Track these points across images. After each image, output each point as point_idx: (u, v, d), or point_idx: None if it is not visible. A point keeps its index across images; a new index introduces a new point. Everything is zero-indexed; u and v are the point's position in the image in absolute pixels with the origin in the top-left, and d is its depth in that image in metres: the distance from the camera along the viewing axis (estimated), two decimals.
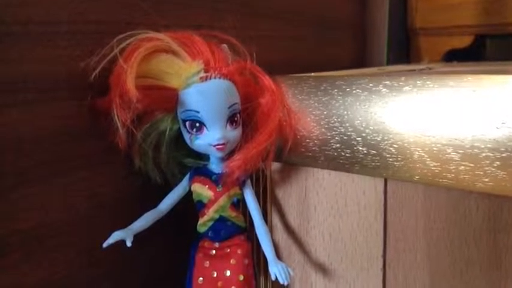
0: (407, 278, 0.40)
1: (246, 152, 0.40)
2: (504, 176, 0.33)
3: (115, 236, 0.38)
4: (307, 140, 0.42)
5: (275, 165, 0.47)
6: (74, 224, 0.40)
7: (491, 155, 0.33)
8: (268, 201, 0.48)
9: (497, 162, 0.33)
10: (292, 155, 0.44)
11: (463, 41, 0.98)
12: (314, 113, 0.42)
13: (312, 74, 0.47)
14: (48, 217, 0.38)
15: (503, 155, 0.33)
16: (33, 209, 0.37)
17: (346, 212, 0.42)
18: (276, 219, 0.48)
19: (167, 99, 0.39)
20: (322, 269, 0.45)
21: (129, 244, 0.38)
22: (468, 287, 0.37)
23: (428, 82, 0.36)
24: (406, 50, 1.03)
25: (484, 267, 0.36)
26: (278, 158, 0.44)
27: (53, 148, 0.38)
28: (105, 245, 0.38)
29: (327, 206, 0.44)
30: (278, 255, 0.48)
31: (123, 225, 0.43)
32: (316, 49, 0.73)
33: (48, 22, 0.36)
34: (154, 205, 0.44)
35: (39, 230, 0.37)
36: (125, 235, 0.38)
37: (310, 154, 0.43)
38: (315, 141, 0.42)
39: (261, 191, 0.48)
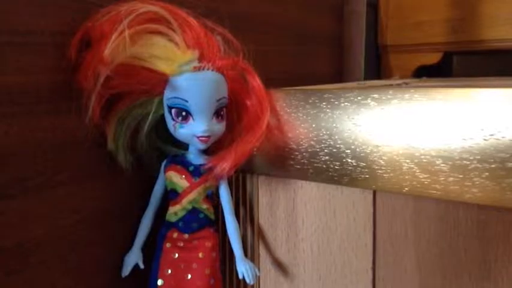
0: None
1: (236, 151, 0.40)
2: (493, 186, 0.34)
3: (129, 264, 0.41)
4: (296, 153, 0.43)
5: (263, 178, 0.46)
6: (58, 240, 0.38)
7: (480, 166, 0.34)
8: (255, 213, 0.47)
9: (486, 173, 0.34)
10: (280, 167, 0.44)
11: (432, 58, 1.01)
12: (303, 125, 0.42)
13: (299, 87, 0.47)
14: (31, 233, 0.36)
15: (492, 166, 0.34)
16: (15, 225, 0.35)
17: (335, 225, 0.43)
18: (264, 232, 0.47)
19: (155, 83, 0.39)
20: (311, 282, 0.45)
21: (142, 267, 0.42)
22: None
23: (416, 95, 0.37)
24: (376, 67, 1.06)
25: (474, 277, 0.36)
26: (266, 169, 0.44)
27: (36, 162, 0.36)
28: (123, 275, 0.41)
29: (316, 219, 0.44)
30: (266, 268, 0.47)
31: (108, 240, 0.42)
32: (295, 64, 0.74)
33: (33, 32, 0.35)
34: (138, 221, 0.43)
35: (22, 247, 0.36)
36: (136, 258, 0.42)
37: (298, 167, 0.43)
38: (304, 154, 0.42)
39: (248, 203, 0.47)
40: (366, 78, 0.92)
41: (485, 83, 0.53)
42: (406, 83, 0.67)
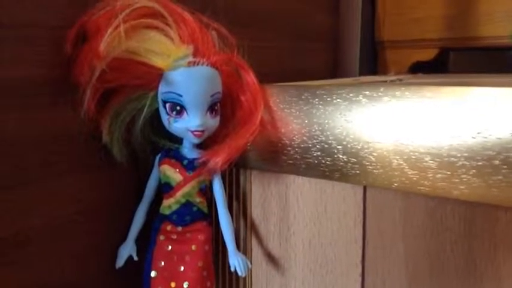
0: (386, 284, 0.41)
1: (230, 146, 0.41)
2: (479, 183, 0.34)
3: (123, 256, 0.42)
4: (289, 148, 0.43)
5: (256, 172, 0.47)
6: (55, 230, 0.39)
7: (467, 163, 0.35)
8: (248, 208, 0.48)
9: (473, 171, 0.35)
10: (273, 162, 0.44)
11: (428, 54, 1.01)
12: (295, 121, 0.43)
13: (292, 83, 0.47)
14: (29, 223, 0.37)
15: (479, 163, 0.34)
16: (13, 216, 0.36)
17: (326, 219, 0.43)
18: (256, 226, 0.48)
19: (150, 78, 0.39)
20: (302, 275, 0.45)
21: (135, 258, 0.43)
22: None
23: (406, 93, 0.37)
24: (373, 62, 1.06)
25: (460, 272, 0.37)
26: (259, 164, 0.45)
27: (36, 153, 0.37)
28: (117, 266, 0.42)
29: (307, 213, 0.44)
30: (258, 261, 0.48)
31: (105, 231, 0.42)
32: (290, 59, 0.74)
33: (30, 25, 0.36)
34: (134, 212, 0.44)
35: (22, 236, 0.36)
36: (130, 250, 0.43)
37: (291, 162, 0.43)
38: (296, 149, 0.43)
39: (241, 197, 0.48)
40: (362, 74, 0.92)
41: (478, 80, 0.54)
42: (400, 80, 0.68)
